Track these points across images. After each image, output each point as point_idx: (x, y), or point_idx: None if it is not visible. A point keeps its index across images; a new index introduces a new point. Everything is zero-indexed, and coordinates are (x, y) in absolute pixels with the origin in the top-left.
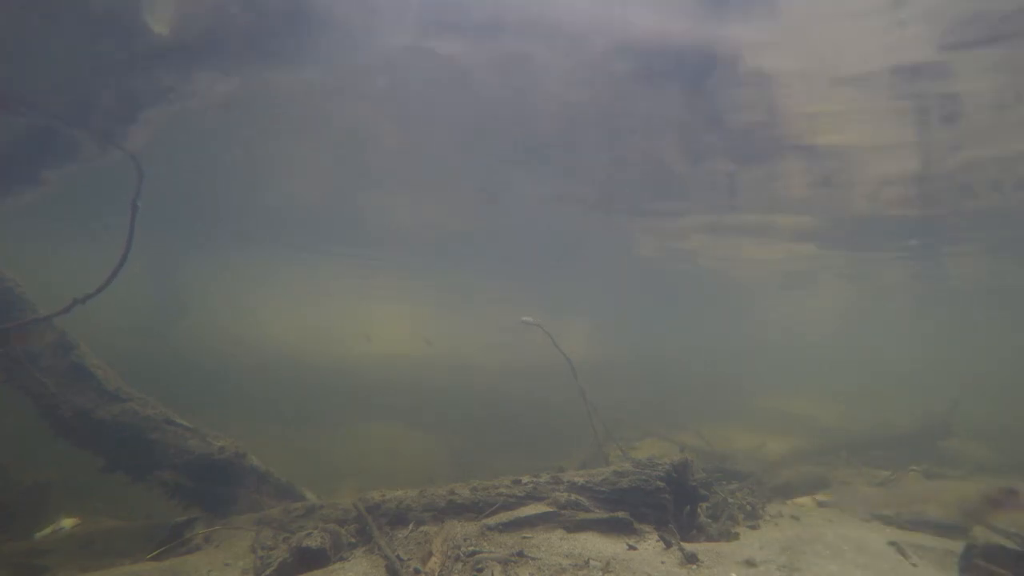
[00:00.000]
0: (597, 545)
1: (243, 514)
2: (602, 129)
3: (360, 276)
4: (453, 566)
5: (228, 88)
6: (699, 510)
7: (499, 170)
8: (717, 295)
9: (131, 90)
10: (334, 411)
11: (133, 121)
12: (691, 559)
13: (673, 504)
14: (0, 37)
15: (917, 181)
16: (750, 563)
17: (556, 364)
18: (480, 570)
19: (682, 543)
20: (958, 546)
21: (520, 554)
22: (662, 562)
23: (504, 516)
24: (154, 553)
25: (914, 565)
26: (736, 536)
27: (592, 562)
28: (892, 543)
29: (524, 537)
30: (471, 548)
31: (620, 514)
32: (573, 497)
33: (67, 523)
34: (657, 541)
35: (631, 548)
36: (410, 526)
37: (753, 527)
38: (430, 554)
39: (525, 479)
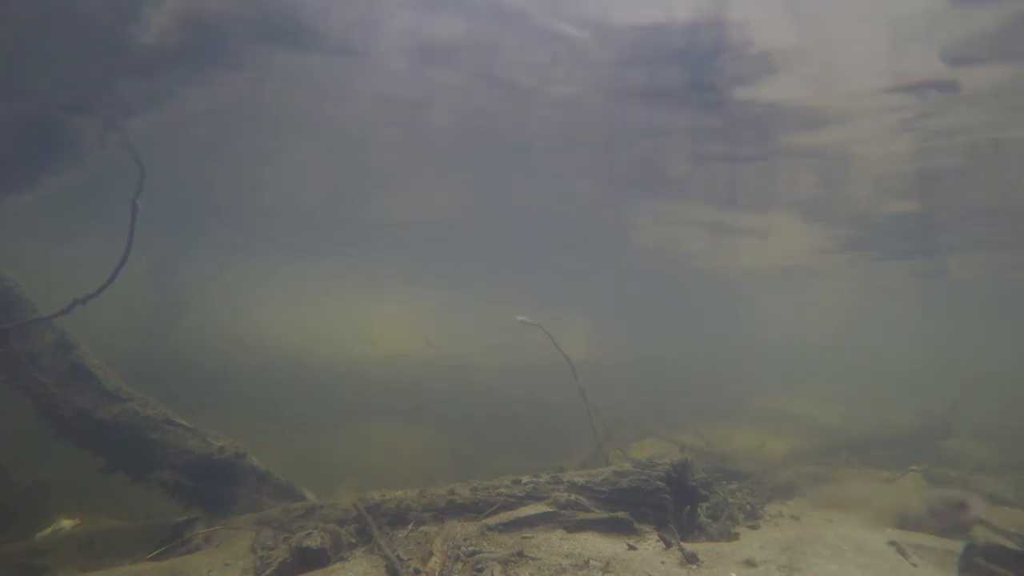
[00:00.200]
0: (597, 545)
1: (243, 514)
2: (603, 124)
3: (360, 276)
4: (453, 566)
5: (231, 88)
6: (699, 510)
7: (499, 167)
8: (717, 295)
9: (132, 89)
10: (334, 411)
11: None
12: (691, 559)
13: (673, 504)
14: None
15: (918, 178)
16: (750, 563)
17: (556, 364)
18: (480, 570)
19: (682, 543)
20: (958, 546)
21: (520, 554)
22: (662, 562)
23: (504, 516)
24: (154, 553)
25: (914, 565)
26: (736, 536)
27: (592, 562)
28: (892, 543)
29: (524, 537)
30: (471, 548)
31: (620, 514)
32: (573, 497)
33: (67, 523)
34: (657, 541)
35: (631, 548)
36: (410, 526)
37: (753, 527)
38: (430, 554)
39: (525, 479)
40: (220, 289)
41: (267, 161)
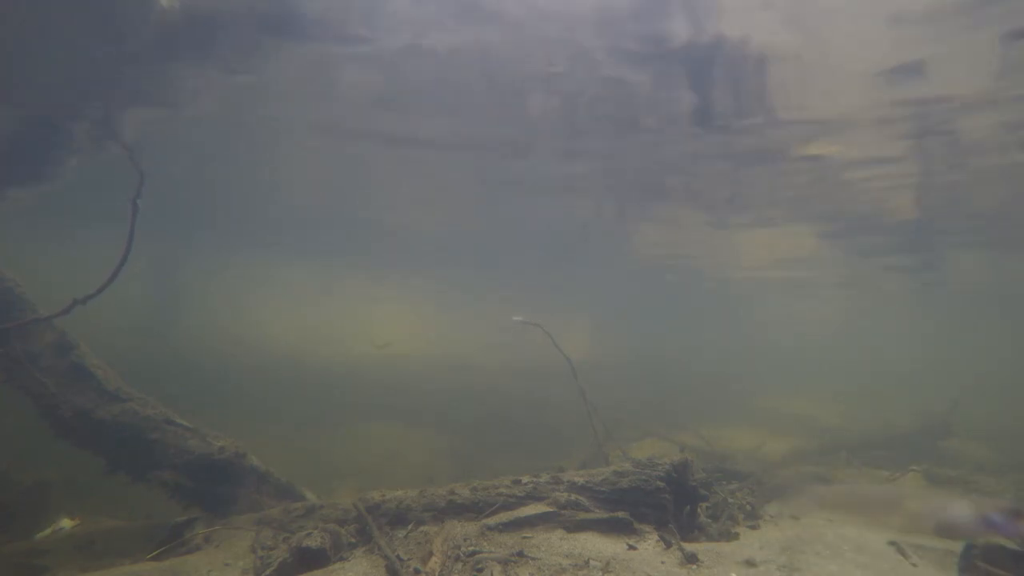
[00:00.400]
0: (597, 545)
1: (243, 514)
2: (604, 124)
3: (360, 276)
4: (453, 566)
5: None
6: (699, 510)
7: (499, 167)
8: (717, 295)
9: (132, 88)
10: (334, 411)
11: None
12: (691, 559)
13: (673, 504)
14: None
15: (917, 180)
16: (750, 563)
17: (556, 364)
18: (480, 570)
19: (682, 543)
20: (958, 546)
21: (520, 554)
22: (662, 562)
23: (504, 516)
24: (154, 553)
25: (914, 565)
26: (736, 536)
27: (592, 562)
28: (892, 543)
29: (524, 537)
30: (471, 548)
31: (620, 514)
32: (573, 497)
33: (67, 523)
34: (657, 541)
35: (631, 548)
36: (410, 526)
37: (753, 527)
38: (430, 554)
39: (525, 479)
40: (220, 289)
41: (267, 160)
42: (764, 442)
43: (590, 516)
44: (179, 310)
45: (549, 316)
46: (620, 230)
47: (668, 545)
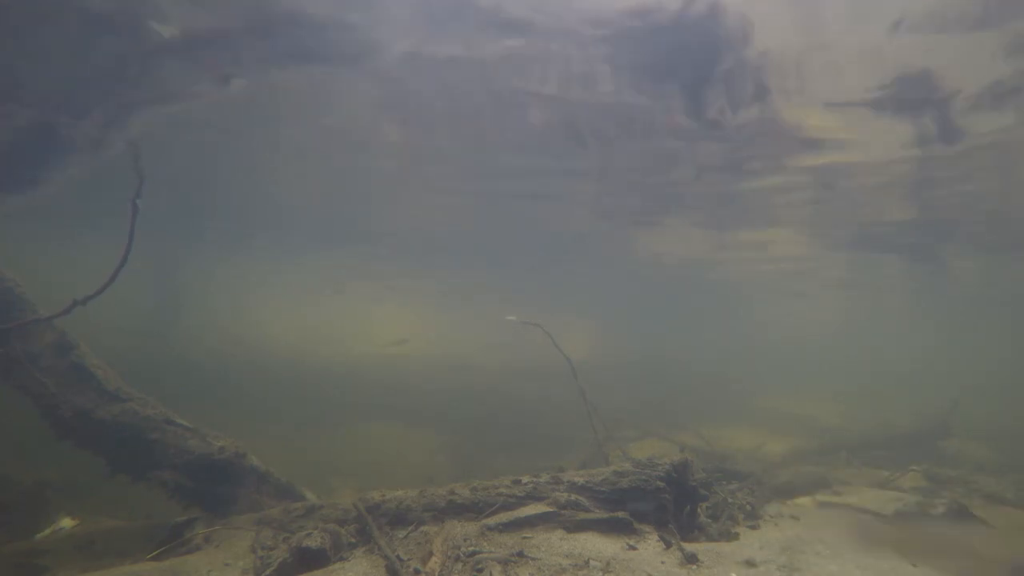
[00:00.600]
0: (597, 545)
1: (243, 514)
2: (605, 129)
3: (360, 276)
4: (453, 566)
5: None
6: (699, 510)
7: (500, 171)
8: (717, 296)
9: (133, 89)
10: (334, 411)
11: (133, 117)
12: (691, 559)
13: (673, 504)
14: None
15: (917, 181)
16: (750, 563)
17: (556, 364)
18: (480, 570)
19: (682, 543)
20: None
21: (520, 554)
22: (662, 562)
23: (504, 516)
24: (154, 553)
25: (914, 565)
26: (736, 536)
27: (592, 562)
28: None
29: (524, 537)
30: (471, 548)
31: (620, 514)
32: (573, 497)
33: (67, 523)
34: (657, 541)
35: (631, 548)
36: (410, 526)
37: (753, 527)
38: (430, 554)
39: (525, 479)
40: (220, 289)
41: (267, 161)
42: (764, 442)
43: (590, 516)
44: (179, 310)
45: (549, 316)
46: (621, 233)
47: (668, 545)
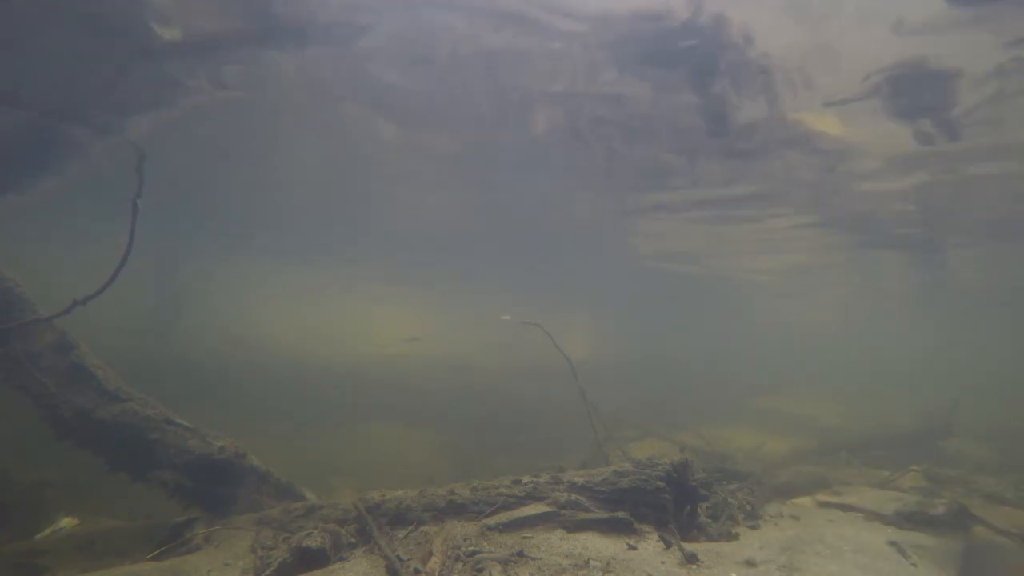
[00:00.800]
0: (597, 545)
1: (243, 514)
2: (603, 121)
3: (361, 276)
4: (453, 566)
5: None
6: (699, 510)
7: (499, 167)
8: (716, 296)
9: (133, 87)
10: (334, 411)
11: (135, 116)
12: (691, 559)
13: (673, 504)
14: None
15: (918, 178)
16: (750, 563)
17: (556, 364)
18: (480, 570)
19: (682, 543)
20: (958, 546)
21: (520, 554)
22: (662, 562)
23: (504, 516)
24: (154, 553)
25: (914, 565)
26: (736, 536)
27: (592, 562)
28: (892, 543)
29: (524, 537)
30: (471, 548)
31: (620, 514)
32: (573, 497)
33: (67, 523)
34: (657, 541)
35: (631, 548)
36: (410, 526)
37: (753, 527)
38: (430, 554)
39: (525, 479)
40: (220, 289)
41: (267, 160)
42: (764, 442)
43: (590, 516)
44: (179, 310)
45: (549, 316)
46: (620, 227)
47: (668, 545)
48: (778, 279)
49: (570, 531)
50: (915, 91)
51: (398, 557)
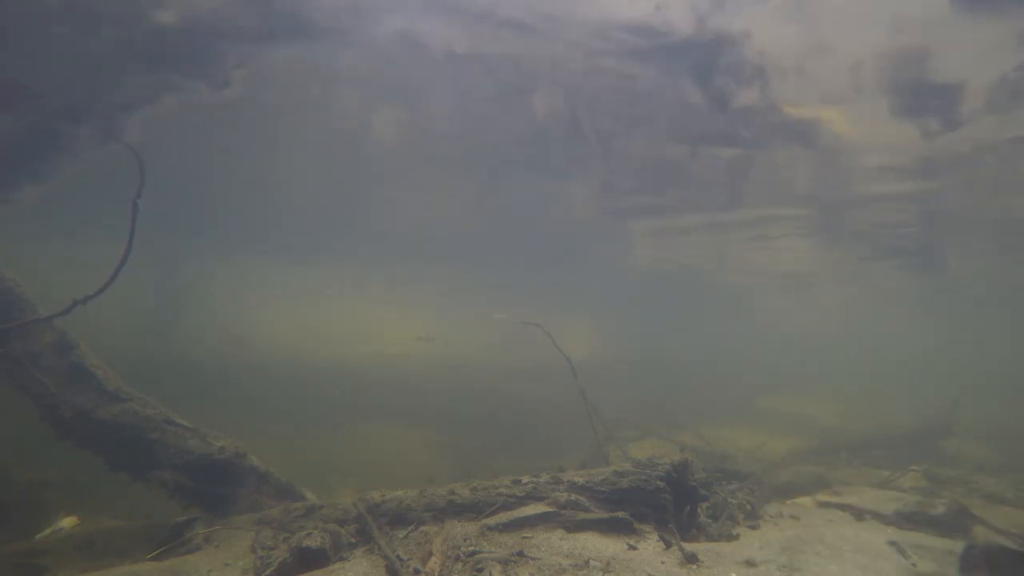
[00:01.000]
0: (597, 545)
1: (243, 514)
2: (605, 120)
3: (360, 276)
4: (453, 566)
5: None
6: (699, 510)
7: (499, 169)
8: (716, 296)
9: (133, 85)
10: (334, 411)
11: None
12: (691, 559)
13: (673, 504)
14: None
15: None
16: (750, 563)
17: (556, 364)
18: (480, 570)
19: (682, 543)
20: (958, 546)
21: (520, 554)
22: (662, 562)
23: (504, 516)
24: (154, 553)
25: (914, 565)
26: (736, 536)
27: (592, 562)
28: (892, 543)
29: (524, 537)
30: (471, 548)
31: (620, 514)
32: (573, 497)
33: (67, 523)
34: (657, 541)
35: (631, 548)
36: (410, 526)
37: (753, 527)
38: (430, 554)
39: (525, 479)
40: (220, 289)
41: (267, 160)
42: (764, 442)
43: (590, 516)
44: (179, 310)
45: (549, 316)
46: (620, 229)
47: (668, 545)
48: (778, 280)
49: (570, 531)
50: (916, 90)
51: (398, 557)
